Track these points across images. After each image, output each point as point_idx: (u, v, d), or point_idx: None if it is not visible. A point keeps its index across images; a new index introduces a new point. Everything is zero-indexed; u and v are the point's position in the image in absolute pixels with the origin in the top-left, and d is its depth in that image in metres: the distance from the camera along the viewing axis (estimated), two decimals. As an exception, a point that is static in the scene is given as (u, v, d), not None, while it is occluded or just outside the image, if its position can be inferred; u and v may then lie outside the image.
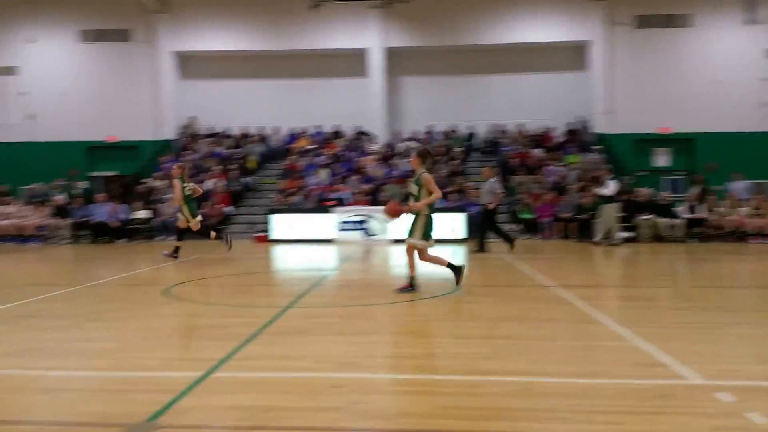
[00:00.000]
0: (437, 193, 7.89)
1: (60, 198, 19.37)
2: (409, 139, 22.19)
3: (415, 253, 8.21)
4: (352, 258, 13.85)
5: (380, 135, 22.60)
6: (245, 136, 22.82)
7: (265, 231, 17.94)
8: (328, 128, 23.06)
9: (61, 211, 18.90)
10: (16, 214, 18.84)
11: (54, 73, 22.49)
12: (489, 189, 13.93)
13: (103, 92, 22.48)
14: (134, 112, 22.50)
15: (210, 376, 4.49)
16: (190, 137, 22.84)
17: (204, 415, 3.76)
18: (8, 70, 22.38)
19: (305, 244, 17.18)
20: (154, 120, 22.64)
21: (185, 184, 12.61)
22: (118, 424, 3.58)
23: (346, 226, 17.63)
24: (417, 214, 8.08)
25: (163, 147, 22.31)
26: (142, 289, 9.11)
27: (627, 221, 16.74)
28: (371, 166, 20.30)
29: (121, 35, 22.46)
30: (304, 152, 21.74)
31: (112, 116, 22.41)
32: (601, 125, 22.40)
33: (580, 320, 6.42)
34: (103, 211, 18.27)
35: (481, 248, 13.86)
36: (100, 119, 22.36)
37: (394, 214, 8.37)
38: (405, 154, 21.26)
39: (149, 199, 19.30)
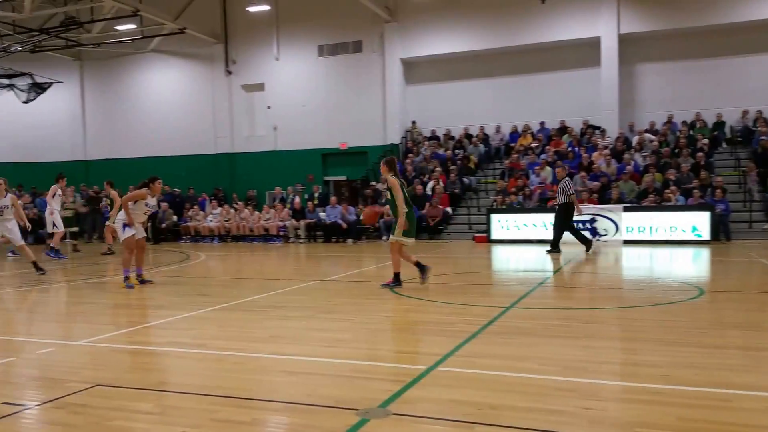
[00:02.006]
0: (400, 198, 8.56)
1: (297, 201, 21.12)
2: (646, 131, 20.67)
3: (403, 249, 8.81)
4: (578, 259, 13.29)
5: (612, 128, 21.30)
6: (467, 136, 23.04)
7: (485, 231, 17.93)
8: (553, 124, 22.36)
9: (298, 213, 20.63)
10: (263, 216, 20.98)
11: (295, 87, 24.62)
12: (562, 189, 14.10)
13: (337, 102, 24.12)
14: (363, 119, 23.82)
15: (436, 370, 4.56)
16: (413, 140, 23.65)
17: (431, 406, 3.82)
18: (258, 87, 24.96)
19: (527, 244, 16.86)
20: (381, 126, 23.77)
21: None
22: (353, 407, 3.77)
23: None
24: (396, 215, 8.74)
25: (389, 151, 23.36)
26: (369, 285, 9.57)
27: None
28: (601, 161, 19.28)
29: (354, 47, 23.88)
30: (526, 150, 21.37)
31: (344, 124, 23.96)
32: None
33: None
34: (335, 213, 19.62)
35: (555, 247, 14.18)
36: (334, 127, 24.02)
37: (371, 219, 9.11)
38: (640, 148, 19.89)
39: (375, 202, 20.32)
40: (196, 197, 23.27)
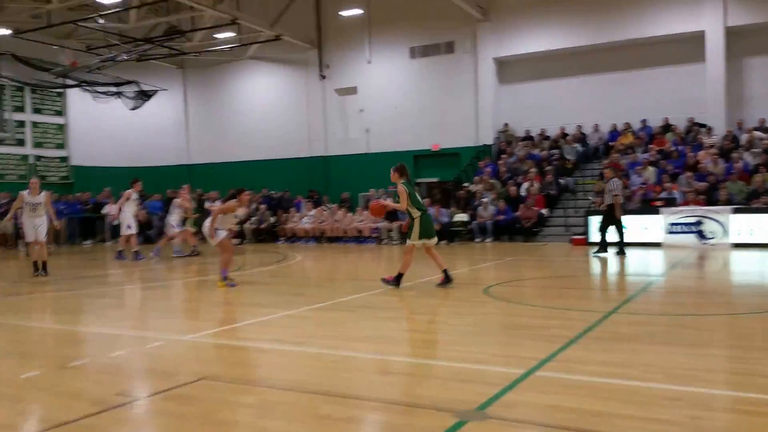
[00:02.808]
0: (403, 205, 9.03)
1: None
2: (756, 129, 19.45)
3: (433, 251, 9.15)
4: (683, 263, 12.67)
5: (718, 126, 20.17)
6: (563, 136, 22.47)
7: (583, 233, 17.42)
8: (655, 122, 21.43)
9: (390, 215, 20.73)
10: (356, 218, 21.28)
11: (386, 89, 24.83)
12: (608, 189, 14.00)
13: (428, 104, 24.12)
14: (455, 121, 23.70)
15: (533, 375, 4.47)
16: (506, 141, 23.31)
17: (529, 410, 3.75)
18: (351, 90, 25.36)
19: (628, 247, 16.22)
20: (473, 127, 23.58)
21: None
22: (449, 409, 3.76)
23: (677, 228, 16.19)
24: (412, 219, 9.13)
25: (481, 152, 23.13)
26: (463, 287, 9.51)
27: None
28: (708, 161, 18.30)
29: (446, 48, 23.81)
30: (626, 149, 20.59)
31: (436, 126, 23.92)
32: None
33: None
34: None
35: (603, 248, 14.04)
36: (425, 129, 24.03)
37: (377, 212, 9.51)
38: (750, 146, 18.75)
39: (467, 204, 20.17)
40: (291, 199, 23.91)
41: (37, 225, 12.14)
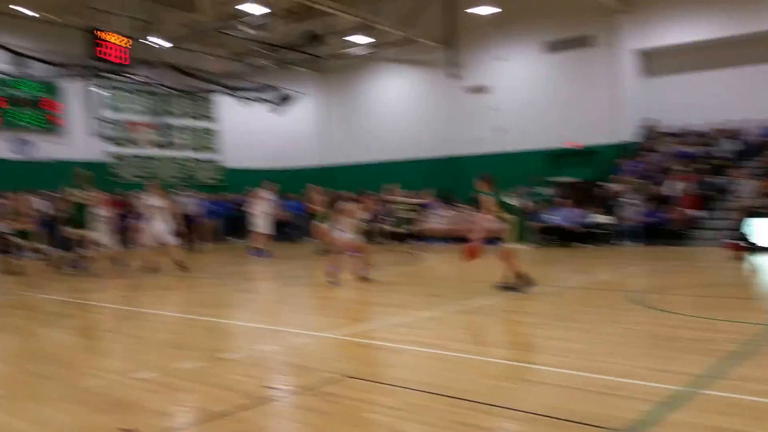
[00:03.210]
0: (487, 216, 9.06)
1: (527, 203, 20.70)
2: None
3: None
4: None
5: None
6: (717, 132, 20.82)
7: (740, 238, 16.01)
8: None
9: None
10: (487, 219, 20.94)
11: (518, 86, 24.24)
12: None
13: (563, 100, 23.25)
14: (591, 117, 22.68)
15: (690, 391, 4.13)
16: (651, 137, 21.99)
17: (692, 433, 3.45)
18: (481, 89, 25.03)
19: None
20: (611, 122, 22.47)
21: None
22: (599, 425, 3.55)
23: None
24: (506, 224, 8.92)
25: (621, 150, 21.99)
26: (607, 294, 9.05)
27: None
28: None
29: (581, 42, 22.87)
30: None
31: (570, 122, 23.00)
32: None
33: None
34: (563, 215, 18.95)
35: None
36: (559, 126, 23.19)
37: (472, 256, 9.12)
38: None
39: (607, 204, 19.24)
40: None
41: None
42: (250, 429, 3.79)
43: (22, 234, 12.97)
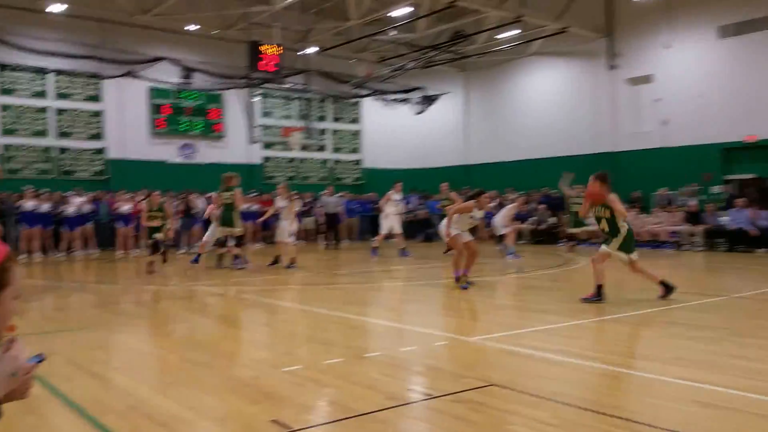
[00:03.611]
0: (622, 213, 8.31)
1: (693, 203, 19.23)
2: None
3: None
4: None
5: None
6: None
7: None
8: None
9: (693, 217, 18.74)
10: (650, 221, 19.63)
11: (689, 75, 22.27)
12: None
13: (741, 89, 20.95)
14: (772, 107, 20.37)
15: None
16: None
17: None
18: (644, 79, 23.45)
19: None
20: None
21: None
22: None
23: None
24: (619, 230, 8.30)
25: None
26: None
27: None
28: None
29: (764, 23, 20.62)
30: None
31: (751, 114, 20.82)
32: None
33: None
34: (741, 217, 17.30)
35: None
36: (738, 118, 21.06)
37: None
38: None
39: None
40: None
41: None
42: (391, 430, 3.71)
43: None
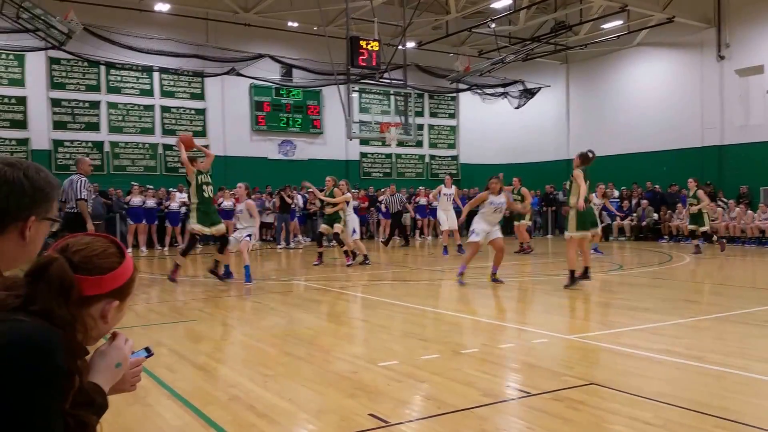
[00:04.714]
0: (582, 187, 8.90)
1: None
2: None
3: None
4: None
5: None
6: None
7: None
8: None
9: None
10: (757, 216, 18.56)
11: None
12: None
13: None
14: None
15: None
16: None
17: None
18: (755, 70, 22.10)
19: None
20: None
21: None
22: None
23: None
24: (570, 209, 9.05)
25: None
26: None
27: None
28: None
29: None
30: None
31: None
32: None
33: None
34: None
35: None
36: None
37: None
38: None
39: None
40: (678, 194, 21.98)
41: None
42: (488, 427, 3.71)
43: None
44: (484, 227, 9.85)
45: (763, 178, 20.88)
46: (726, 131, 22.94)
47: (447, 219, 15.76)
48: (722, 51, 22.75)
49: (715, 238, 15.85)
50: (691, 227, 15.54)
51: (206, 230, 10.26)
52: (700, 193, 15.01)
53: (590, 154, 9.35)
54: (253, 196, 11.78)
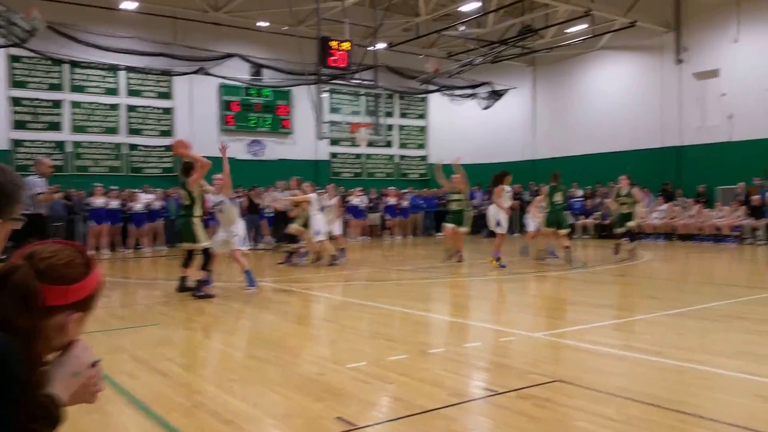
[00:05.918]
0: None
1: (756, 198, 18.59)
2: None
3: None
4: None
5: None
6: None
7: None
8: None
9: (757, 212, 18.18)
10: (713, 214, 19.15)
11: (755, 69, 21.49)
12: None
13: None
14: None
15: None
16: None
17: None
18: (711, 74, 22.70)
19: None
20: None
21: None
22: None
23: None
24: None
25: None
26: None
27: None
28: None
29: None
30: None
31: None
32: None
33: None
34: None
35: None
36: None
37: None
38: None
39: None
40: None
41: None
42: (456, 427, 3.76)
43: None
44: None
45: (720, 178, 21.49)
46: (684, 132, 23.53)
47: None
48: (681, 55, 23.34)
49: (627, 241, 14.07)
50: (619, 230, 13.82)
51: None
52: (635, 191, 14.08)
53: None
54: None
